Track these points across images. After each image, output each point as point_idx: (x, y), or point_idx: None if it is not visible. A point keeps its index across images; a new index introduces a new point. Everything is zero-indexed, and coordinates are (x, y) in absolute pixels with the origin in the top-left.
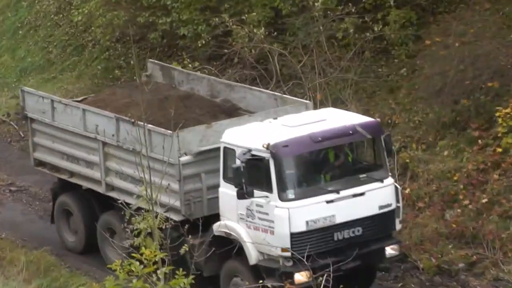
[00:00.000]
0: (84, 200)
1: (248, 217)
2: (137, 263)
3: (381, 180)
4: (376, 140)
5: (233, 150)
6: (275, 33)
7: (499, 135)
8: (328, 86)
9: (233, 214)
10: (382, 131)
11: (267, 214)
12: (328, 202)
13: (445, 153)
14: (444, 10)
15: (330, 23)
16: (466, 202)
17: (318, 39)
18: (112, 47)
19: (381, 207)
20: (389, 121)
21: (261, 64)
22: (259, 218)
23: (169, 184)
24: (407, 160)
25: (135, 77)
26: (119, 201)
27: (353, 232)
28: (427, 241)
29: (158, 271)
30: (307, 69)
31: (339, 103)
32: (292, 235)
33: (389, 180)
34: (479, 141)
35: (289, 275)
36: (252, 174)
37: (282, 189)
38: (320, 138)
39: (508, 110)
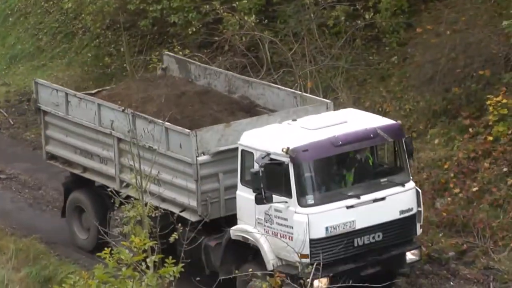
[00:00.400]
0: (97, 197)
1: (266, 222)
2: (127, 251)
3: (402, 184)
4: (397, 143)
5: (251, 153)
6: (266, 20)
7: (490, 123)
8: (319, 74)
9: (250, 218)
10: (403, 133)
11: (286, 219)
12: (348, 207)
13: (436, 141)
14: None
15: (321, 10)
16: (457, 190)
17: (309, 27)
18: (102, 35)
19: (402, 212)
20: (380, 109)
21: (251, 52)
22: (278, 223)
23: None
24: None
25: (124, 64)
26: (109, 189)
27: (374, 237)
28: None
29: (148, 260)
30: (298, 56)
31: (330, 91)
32: (312, 241)
33: (410, 184)
34: (470, 129)
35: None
36: (271, 179)
37: (301, 194)
38: (340, 142)
39: (499, 99)
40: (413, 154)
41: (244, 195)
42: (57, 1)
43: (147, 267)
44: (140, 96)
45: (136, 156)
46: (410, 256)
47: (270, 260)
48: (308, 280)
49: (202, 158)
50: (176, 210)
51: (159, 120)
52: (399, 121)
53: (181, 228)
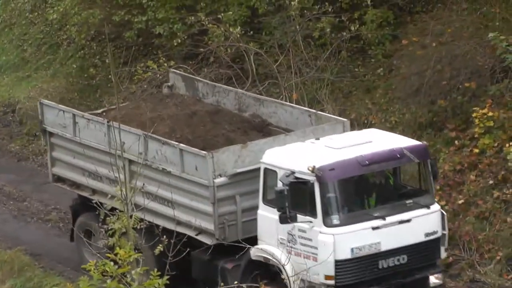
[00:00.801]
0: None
1: (289, 242)
2: (112, 263)
3: (428, 206)
4: (422, 164)
5: (275, 171)
6: (251, 32)
7: (476, 135)
8: (304, 86)
9: (272, 238)
10: (429, 155)
11: (310, 239)
12: (374, 228)
13: None
14: (421, 10)
15: (306, 22)
16: (443, 203)
17: (295, 39)
18: (87, 46)
19: (427, 235)
20: (366, 122)
21: (237, 63)
22: (301, 244)
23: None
24: None
25: (109, 76)
26: (94, 201)
27: (398, 260)
28: None
29: (133, 272)
30: (283, 68)
31: (315, 103)
32: (337, 262)
33: (436, 207)
34: (456, 142)
35: None
36: (295, 198)
37: (327, 214)
38: (367, 162)
39: (485, 111)
40: (437, 176)
41: (266, 215)
42: (42, 12)
43: (132, 279)
44: (150, 116)
45: (122, 168)
46: (433, 280)
47: (292, 281)
48: None
49: (219, 180)
50: (191, 233)
51: (173, 142)
52: (425, 142)
53: (166, 240)
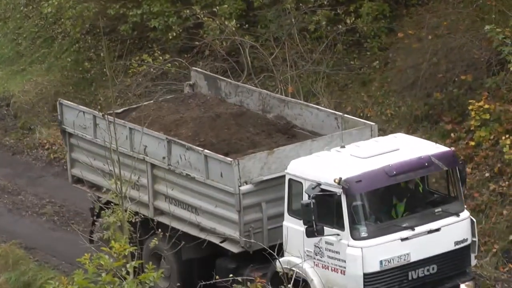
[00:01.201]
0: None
1: (316, 255)
2: (107, 256)
3: (457, 214)
4: (450, 171)
5: (300, 183)
6: (247, 25)
7: (472, 128)
8: (300, 79)
9: (299, 251)
10: (457, 161)
11: (337, 252)
12: (402, 239)
13: None
14: (417, 3)
15: (302, 15)
16: None
17: (290, 32)
18: (82, 39)
19: (457, 243)
20: (361, 114)
21: (232, 57)
22: (329, 257)
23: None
24: None
25: (104, 69)
26: (89, 194)
27: (428, 270)
28: None
29: (127, 265)
30: (278, 61)
31: (311, 96)
32: (365, 275)
33: (465, 214)
34: (452, 134)
35: None
36: (322, 210)
37: (354, 226)
38: (395, 172)
39: (481, 104)
40: (466, 181)
41: (292, 226)
42: (36, 5)
43: (127, 273)
44: (172, 118)
45: (116, 162)
46: None
47: None
48: None
49: (245, 187)
50: (216, 241)
51: (198, 148)
52: (453, 148)
53: (161, 234)
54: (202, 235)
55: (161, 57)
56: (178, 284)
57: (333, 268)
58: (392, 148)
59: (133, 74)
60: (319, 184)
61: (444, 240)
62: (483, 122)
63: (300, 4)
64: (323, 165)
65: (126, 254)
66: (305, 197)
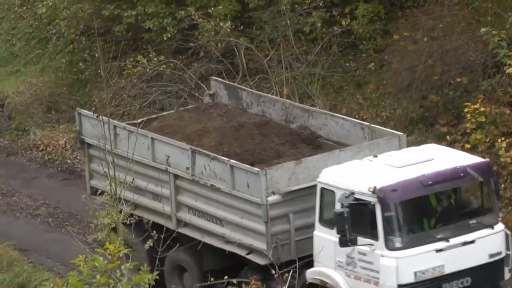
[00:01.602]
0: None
1: (348, 265)
2: (101, 258)
3: (492, 226)
4: (485, 182)
5: (332, 191)
6: (242, 26)
7: (468, 131)
8: (295, 81)
9: (330, 261)
10: (492, 172)
11: (371, 263)
12: (437, 251)
13: None
14: (412, 5)
15: (297, 17)
16: None
17: (285, 33)
18: (77, 40)
19: (491, 256)
20: (357, 117)
21: (227, 58)
22: (362, 267)
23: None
24: None
25: (99, 70)
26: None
27: (462, 283)
28: None
29: (122, 267)
30: (273, 63)
31: (306, 98)
32: (400, 287)
33: (500, 226)
34: (448, 137)
35: None
36: (355, 220)
37: (389, 236)
38: (430, 182)
39: (476, 106)
40: (500, 194)
41: (323, 236)
42: (31, 6)
43: (122, 275)
44: (194, 128)
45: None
46: None
47: None
48: None
49: (272, 198)
50: (242, 253)
51: (223, 158)
52: (487, 159)
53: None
54: (227, 247)
55: (155, 59)
56: None
57: (365, 279)
58: (426, 158)
59: (127, 75)
60: (352, 193)
61: (478, 252)
62: (478, 124)
63: (295, 6)
64: (357, 174)
65: (121, 255)
66: (338, 206)
